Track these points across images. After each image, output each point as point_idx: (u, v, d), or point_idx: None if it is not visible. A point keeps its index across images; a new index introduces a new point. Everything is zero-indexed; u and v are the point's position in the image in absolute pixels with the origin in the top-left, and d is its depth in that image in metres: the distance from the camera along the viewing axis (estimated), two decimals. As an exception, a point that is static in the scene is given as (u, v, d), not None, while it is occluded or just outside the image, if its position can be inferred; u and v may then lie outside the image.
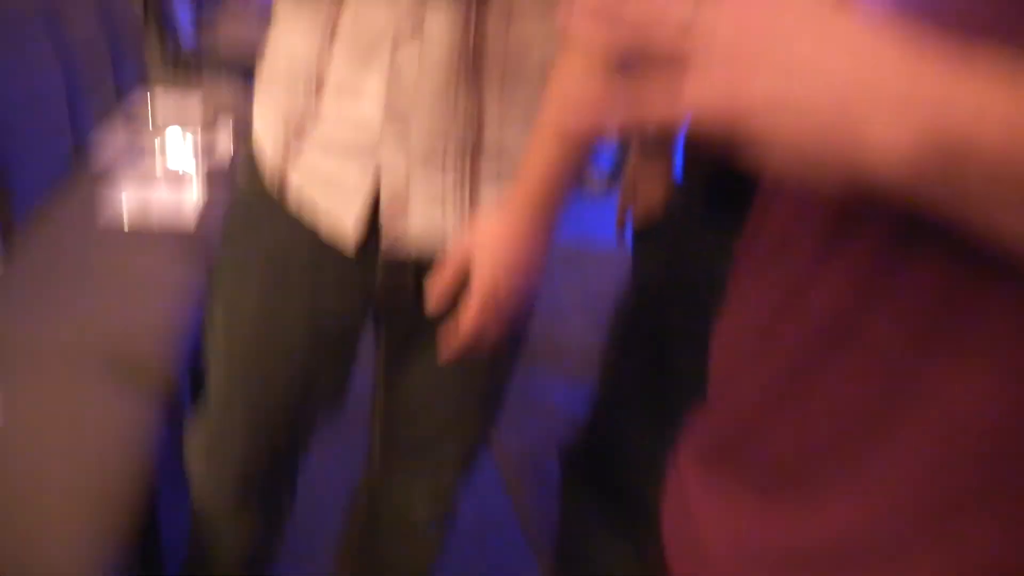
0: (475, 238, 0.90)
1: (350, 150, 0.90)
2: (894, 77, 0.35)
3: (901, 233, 0.42)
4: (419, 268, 0.95)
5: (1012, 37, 0.37)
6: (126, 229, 1.76)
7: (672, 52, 0.39)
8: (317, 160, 0.91)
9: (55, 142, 2.02)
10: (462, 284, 0.91)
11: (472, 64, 0.86)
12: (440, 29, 0.84)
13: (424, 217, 0.91)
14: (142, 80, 2.79)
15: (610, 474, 1.52)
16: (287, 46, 0.93)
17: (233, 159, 2.07)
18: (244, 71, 2.67)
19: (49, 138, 1.98)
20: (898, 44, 0.36)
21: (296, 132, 0.91)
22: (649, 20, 0.40)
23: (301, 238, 0.94)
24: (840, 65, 0.36)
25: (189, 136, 2.16)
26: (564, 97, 0.86)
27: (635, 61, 0.42)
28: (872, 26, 0.37)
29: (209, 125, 2.22)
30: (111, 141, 2.14)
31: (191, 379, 1.64)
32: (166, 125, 2.22)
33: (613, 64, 0.82)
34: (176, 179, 1.94)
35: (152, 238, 1.74)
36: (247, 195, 1.01)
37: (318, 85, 0.89)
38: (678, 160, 1.28)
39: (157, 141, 2.13)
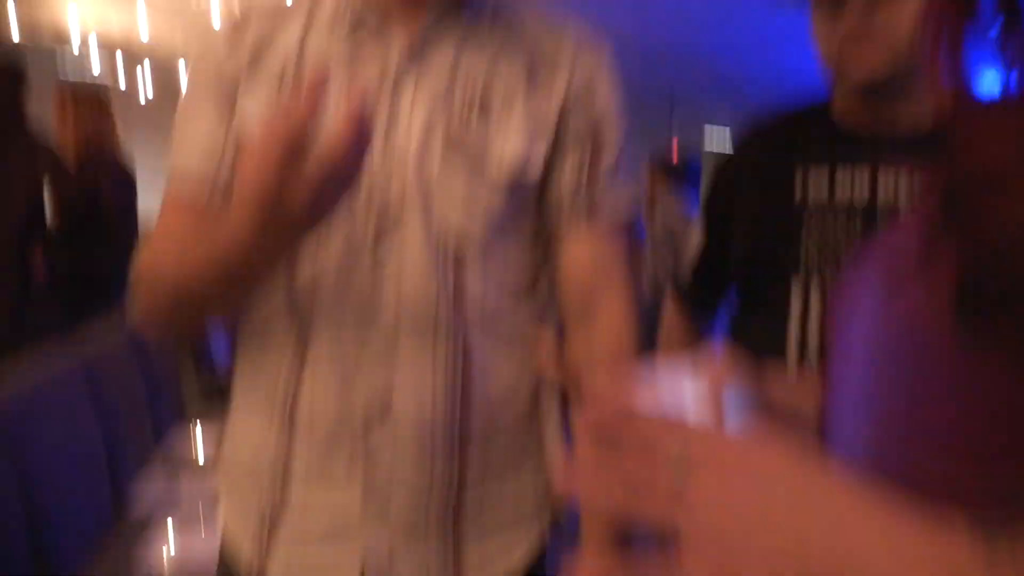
0: None
1: (329, 535, 0.86)
2: (879, 565, 0.35)
3: None
4: None
5: (977, 497, 0.39)
6: (168, 583, 1.69)
7: (665, 522, 0.39)
8: (297, 551, 0.87)
9: (95, 495, 2.01)
10: None
11: (452, 429, 0.85)
12: (411, 407, 0.84)
13: None
14: (180, 416, 2.85)
15: None
16: (246, 433, 0.91)
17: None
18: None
19: (89, 492, 1.98)
20: (878, 520, 0.36)
21: (271, 525, 0.87)
22: (640, 485, 0.40)
23: None
24: (825, 554, 0.36)
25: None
26: None
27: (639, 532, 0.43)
28: (850, 495, 0.37)
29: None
30: (151, 488, 2.14)
31: None
32: (205, 463, 2.23)
33: (618, 536, 0.86)
34: (218, 520, 1.90)
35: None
36: None
37: (284, 474, 0.87)
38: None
39: (196, 482, 2.12)
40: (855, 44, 1.03)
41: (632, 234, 0.99)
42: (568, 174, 0.91)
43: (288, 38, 0.89)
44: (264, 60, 0.88)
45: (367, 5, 0.88)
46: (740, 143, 1.26)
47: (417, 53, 0.87)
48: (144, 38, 7.22)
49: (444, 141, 0.85)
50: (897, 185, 1.04)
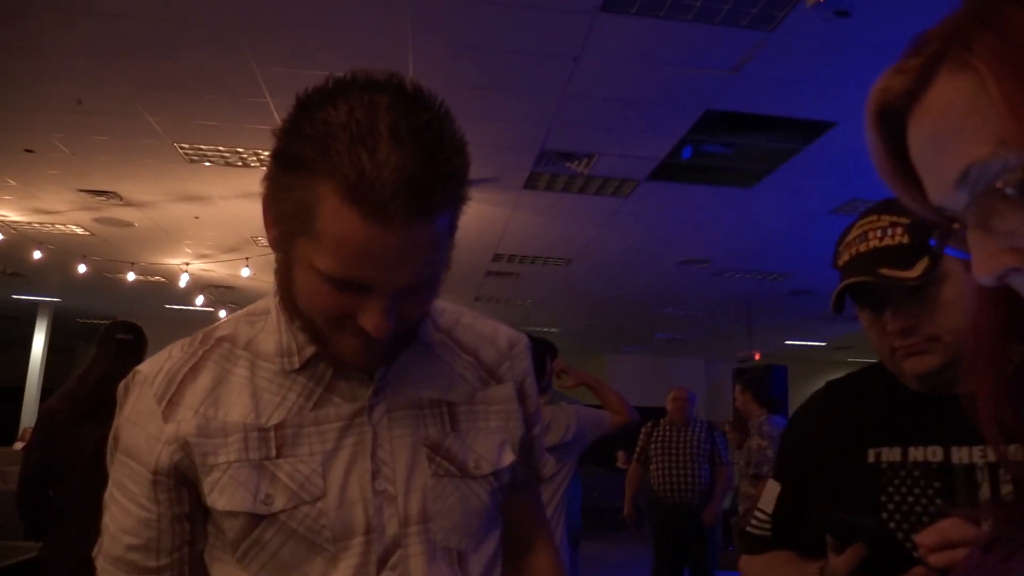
0: None
1: None
2: None
3: None
4: None
5: None
6: None
7: None
8: None
9: None
10: None
11: None
12: None
13: None
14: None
15: None
16: None
17: None
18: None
19: None
20: None
21: None
22: None
23: None
24: None
25: None
26: None
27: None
28: None
29: None
30: None
31: None
32: None
33: None
34: None
35: None
36: None
37: None
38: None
39: None
40: (902, 347, 1.08)
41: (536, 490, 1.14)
42: (520, 461, 1.02)
43: (236, 391, 0.90)
44: (215, 422, 0.88)
45: (323, 349, 0.88)
46: (809, 416, 1.28)
47: (382, 385, 0.92)
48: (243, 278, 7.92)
49: (429, 455, 0.92)
50: (971, 454, 1.05)
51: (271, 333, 0.93)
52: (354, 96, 0.75)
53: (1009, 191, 0.42)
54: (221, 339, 0.94)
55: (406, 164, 0.72)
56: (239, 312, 0.99)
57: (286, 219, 0.79)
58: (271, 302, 0.95)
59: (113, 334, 3.02)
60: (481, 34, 3.54)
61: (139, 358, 3.01)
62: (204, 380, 0.90)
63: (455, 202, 0.80)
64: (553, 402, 3.59)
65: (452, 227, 0.82)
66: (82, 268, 8.03)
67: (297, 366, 0.90)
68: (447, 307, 1.04)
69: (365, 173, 0.72)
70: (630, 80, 3.94)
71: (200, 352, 0.92)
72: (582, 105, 4.24)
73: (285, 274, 0.84)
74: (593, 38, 3.52)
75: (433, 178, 0.74)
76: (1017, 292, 0.46)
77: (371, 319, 0.79)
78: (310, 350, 0.90)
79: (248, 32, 3.57)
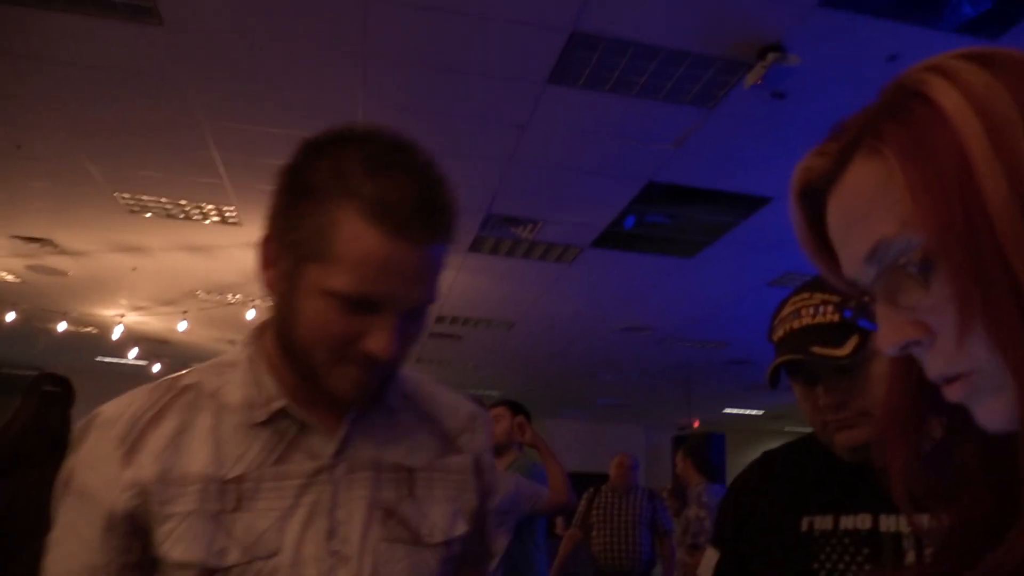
0: None
1: None
2: None
3: None
4: None
5: None
6: None
7: None
8: None
9: None
10: None
11: None
12: None
13: None
14: None
15: None
16: None
17: None
18: None
19: None
20: None
21: None
22: None
23: None
24: None
25: None
26: None
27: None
28: None
29: None
30: None
31: None
32: None
33: None
34: None
35: None
36: None
37: None
38: None
39: None
40: (833, 420, 1.11)
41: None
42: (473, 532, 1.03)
43: (198, 440, 0.88)
44: (175, 470, 0.86)
45: (290, 398, 0.90)
46: (746, 485, 1.31)
47: (345, 445, 0.92)
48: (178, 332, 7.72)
49: (383, 519, 0.92)
50: (899, 522, 1.08)
51: (239, 385, 0.92)
52: (356, 141, 0.84)
53: (911, 269, 0.45)
54: (187, 387, 0.93)
55: (420, 190, 0.82)
56: (207, 363, 0.98)
57: (297, 247, 0.83)
58: (241, 354, 0.95)
59: (40, 386, 2.91)
60: (431, 99, 3.61)
61: (66, 411, 2.90)
62: (167, 427, 0.89)
63: (453, 234, 0.87)
64: (518, 463, 3.61)
65: (446, 260, 0.88)
66: (10, 316, 7.74)
67: (262, 419, 0.90)
68: (411, 375, 1.05)
69: (386, 195, 0.80)
70: (575, 150, 4.05)
71: (165, 399, 0.91)
72: (528, 172, 4.33)
73: (288, 307, 0.86)
74: (540, 108, 3.62)
75: (443, 205, 0.84)
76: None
77: (380, 338, 0.83)
78: (277, 404, 0.90)
79: (196, 85, 3.57)
